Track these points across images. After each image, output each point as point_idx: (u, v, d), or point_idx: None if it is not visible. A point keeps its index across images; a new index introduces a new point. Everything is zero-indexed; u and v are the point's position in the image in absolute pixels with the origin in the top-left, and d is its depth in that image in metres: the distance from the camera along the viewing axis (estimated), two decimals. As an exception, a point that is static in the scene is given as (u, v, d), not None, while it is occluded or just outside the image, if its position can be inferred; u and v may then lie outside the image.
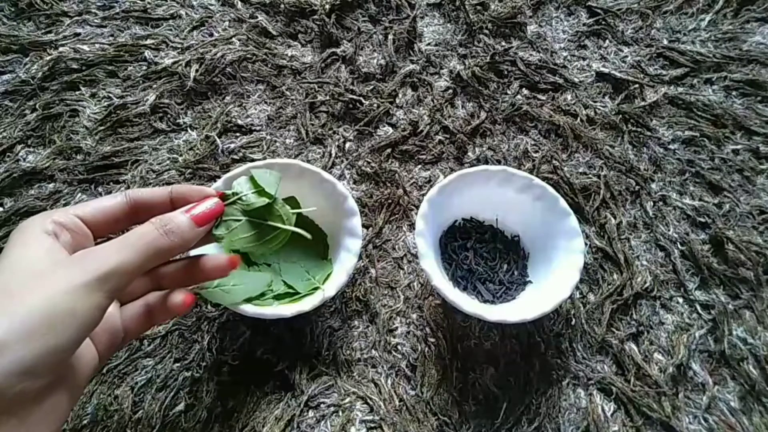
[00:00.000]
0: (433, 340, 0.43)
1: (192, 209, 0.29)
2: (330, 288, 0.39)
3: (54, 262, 0.25)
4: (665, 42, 0.59)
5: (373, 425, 0.39)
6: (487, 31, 0.60)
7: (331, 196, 0.42)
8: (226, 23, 0.60)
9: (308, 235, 0.35)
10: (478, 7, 0.61)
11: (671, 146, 0.53)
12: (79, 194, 0.49)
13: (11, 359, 0.20)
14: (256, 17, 0.60)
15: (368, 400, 0.39)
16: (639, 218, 0.49)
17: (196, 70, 0.54)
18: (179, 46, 0.57)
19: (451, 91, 0.56)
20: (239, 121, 0.53)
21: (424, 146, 0.52)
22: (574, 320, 0.43)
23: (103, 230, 0.29)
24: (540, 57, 0.58)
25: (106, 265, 0.24)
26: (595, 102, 0.55)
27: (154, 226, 0.27)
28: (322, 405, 0.39)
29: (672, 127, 0.54)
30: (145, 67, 0.55)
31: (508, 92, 0.56)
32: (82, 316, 0.23)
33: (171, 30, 0.59)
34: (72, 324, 0.22)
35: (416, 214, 0.41)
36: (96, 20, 0.59)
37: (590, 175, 0.51)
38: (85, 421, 0.38)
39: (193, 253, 0.35)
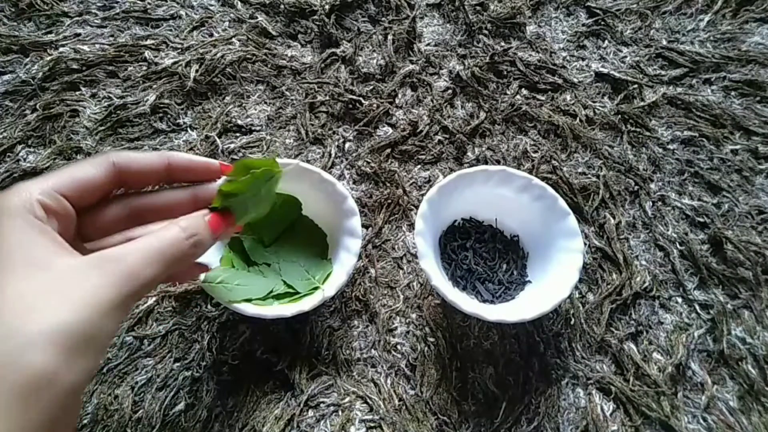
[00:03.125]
0: (432, 339, 0.43)
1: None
2: (330, 288, 0.39)
3: (69, 265, 0.22)
4: (664, 42, 0.59)
5: (372, 425, 0.39)
6: (486, 32, 0.60)
7: (330, 196, 0.42)
8: (226, 23, 0.60)
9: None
10: (478, 8, 0.61)
11: (670, 146, 0.53)
12: (80, 194, 0.49)
13: (65, 388, 0.19)
14: (256, 17, 0.60)
15: (368, 400, 0.39)
16: (638, 218, 0.49)
17: (196, 71, 0.54)
18: (179, 46, 0.57)
19: (450, 91, 0.56)
20: (239, 121, 0.53)
21: (423, 146, 0.52)
22: (573, 320, 0.43)
23: (84, 203, 0.26)
24: (539, 57, 0.58)
25: (137, 282, 0.22)
26: (594, 102, 0.55)
27: (184, 236, 0.25)
28: (321, 404, 0.39)
29: (671, 127, 0.54)
30: (145, 68, 0.55)
31: (508, 92, 0.56)
32: (110, 333, 0.21)
33: (171, 30, 0.59)
34: (103, 344, 0.21)
35: (416, 214, 0.41)
36: (96, 20, 0.59)
37: (589, 175, 0.51)
38: (85, 421, 0.38)
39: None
